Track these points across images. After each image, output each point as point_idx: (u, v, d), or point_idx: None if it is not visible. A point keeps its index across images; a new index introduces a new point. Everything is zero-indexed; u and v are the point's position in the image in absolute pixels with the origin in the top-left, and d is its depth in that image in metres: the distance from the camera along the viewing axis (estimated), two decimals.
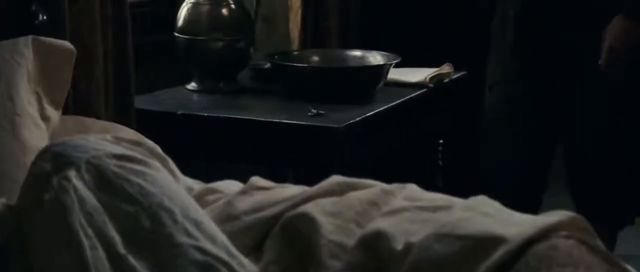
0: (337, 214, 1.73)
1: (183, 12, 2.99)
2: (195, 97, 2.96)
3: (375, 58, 3.06)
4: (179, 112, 2.76)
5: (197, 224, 1.63)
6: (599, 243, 1.59)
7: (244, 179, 1.94)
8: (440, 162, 3.31)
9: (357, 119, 2.68)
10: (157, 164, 1.78)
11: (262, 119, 2.69)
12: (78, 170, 1.66)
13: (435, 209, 1.72)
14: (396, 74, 3.03)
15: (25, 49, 2.16)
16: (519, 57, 2.91)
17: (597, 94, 2.83)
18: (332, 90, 2.85)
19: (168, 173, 1.80)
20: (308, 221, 1.72)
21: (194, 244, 1.59)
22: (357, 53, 3.13)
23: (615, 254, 1.77)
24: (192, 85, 3.01)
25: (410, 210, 1.72)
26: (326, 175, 1.89)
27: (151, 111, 2.79)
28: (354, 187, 1.83)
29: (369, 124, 2.73)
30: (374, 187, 1.82)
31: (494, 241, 1.55)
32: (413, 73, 3.11)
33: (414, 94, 3.00)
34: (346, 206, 1.76)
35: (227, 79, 3.01)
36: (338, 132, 2.60)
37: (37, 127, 2.07)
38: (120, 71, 2.67)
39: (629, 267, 1.53)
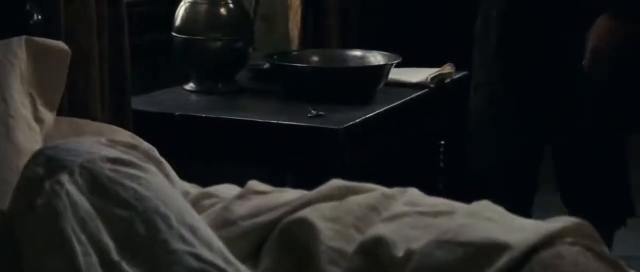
0: (336, 219, 1.72)
1: (181, 11, 2.98)
2: (193, 97, 2.95)
3: (376, 58, 3.05)
4: (177, 113, 2.74)
5: (193, 230, 1.62)
6: (605, 250, 1.58)
7: (242, 181, 1.93)
8: (442, 164, 3.30)
9: (358, 120, 2.67)
10: (152, 168, 1.77)
11: (261, 120, 2.67)
12: (71, 174, 1.65)
13: (437, 214, 1.71)
14: (397, 74, 3.02)
15: (18, 49, 2.14)
16: (503, 58, 2.90)
17: (582, 95, 2.81)
18: (332, 90, 2.84)
19: (163, 177, 1.80)
20: (307, 226, 1.70)
21: (189, 251, 1.57)
22: (358, 53, 3.12)
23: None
24: (189, 86, 2.99)
25: (411, 215, 1.70)
26: (326, 177, 1.87)
27: (148, 112, 2.77)
28: (354, 191, 1.81)
29: (369, 125, 2.72)
30: (374, 191, 1.81)
31: (498, 247, 1.53)
32: (414, 73, 3.10)
33: (415, 95, 3.00)
34: (346, 210, 1.74)
35: (226, 80, 3.00)
36: (338, 133, 2.59)
37: (31, 129, 2.06)
38: (116, 71, 2.66)
39: None
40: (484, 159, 2.99)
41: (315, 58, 3.11)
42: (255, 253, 1.74)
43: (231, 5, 2.98)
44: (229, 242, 1.68)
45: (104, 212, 1.61)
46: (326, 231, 1.68)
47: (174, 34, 2.96)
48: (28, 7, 2.38)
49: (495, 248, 1.53)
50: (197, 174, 2.10)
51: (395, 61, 2.96)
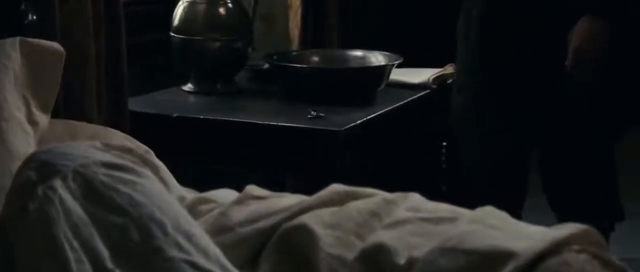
0: (336, 225, 1.70)
1: (179, 10, 2.96)
2: (191, 98, 2.94)
3: (377, 58, 3.04)
4: (175, 115, 2.72)
5: (189, 237, 1.60)
6: (613, 257, 1.56)
7: (241, 183, 1.92)
8: (444, 165, 3.28)
9: (358, 121, 2.65)
10: (148, 172, 1.76)
11: (260, 122, 2.66)
12: (64, 179, 1.64)
13: (439, 220, 1.69)
14: (398, 75, 3.01)
15: (12, 50, 2.13)
16: (484, 58, 2.87)
17: (566, 96, 2.79)
18: (332, 91, 2.82)
19: (159, 182, 1.78)
20: (306, 233, 1.69)
21: (185, 258, 1.55)
22: (359, 53, 3.11)
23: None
24: (188, 87, 2.98)
25: (413, 222, 1.69)
26: (326, 179, 1.86)
27: (146, 113, 2.76)
28: (354, 197, 1.79)
29: (370, 127, 2.71)
30: (375, 196, 1.79)
31: (503, 255, 1.52)
32: (416, 74, 3.09)
33: (417, 96, 2.99)
34: (346, 216, 1.72)
35: (225, 80, 2.98)
36: (338, 135, 2.58)
37: (25, 132, 2.05)
38: (113, 72, 2.64)
39: None
40: (468, 158, 2.97)
41: (315, 58, 3.10)
42: (253, 260, 1.72)
43: (230, 5, 2.97)
44: (226, 249, 1.66)
45: (98, 218, 1.59)
46: (326, 237, 1.67)
47: (172, 34, 2.95)
48: (23, 6, 2.37)
49: (500, 256, 1.51)
50: (194, 177, 2.09)
51: (397, 62, 2.96)
